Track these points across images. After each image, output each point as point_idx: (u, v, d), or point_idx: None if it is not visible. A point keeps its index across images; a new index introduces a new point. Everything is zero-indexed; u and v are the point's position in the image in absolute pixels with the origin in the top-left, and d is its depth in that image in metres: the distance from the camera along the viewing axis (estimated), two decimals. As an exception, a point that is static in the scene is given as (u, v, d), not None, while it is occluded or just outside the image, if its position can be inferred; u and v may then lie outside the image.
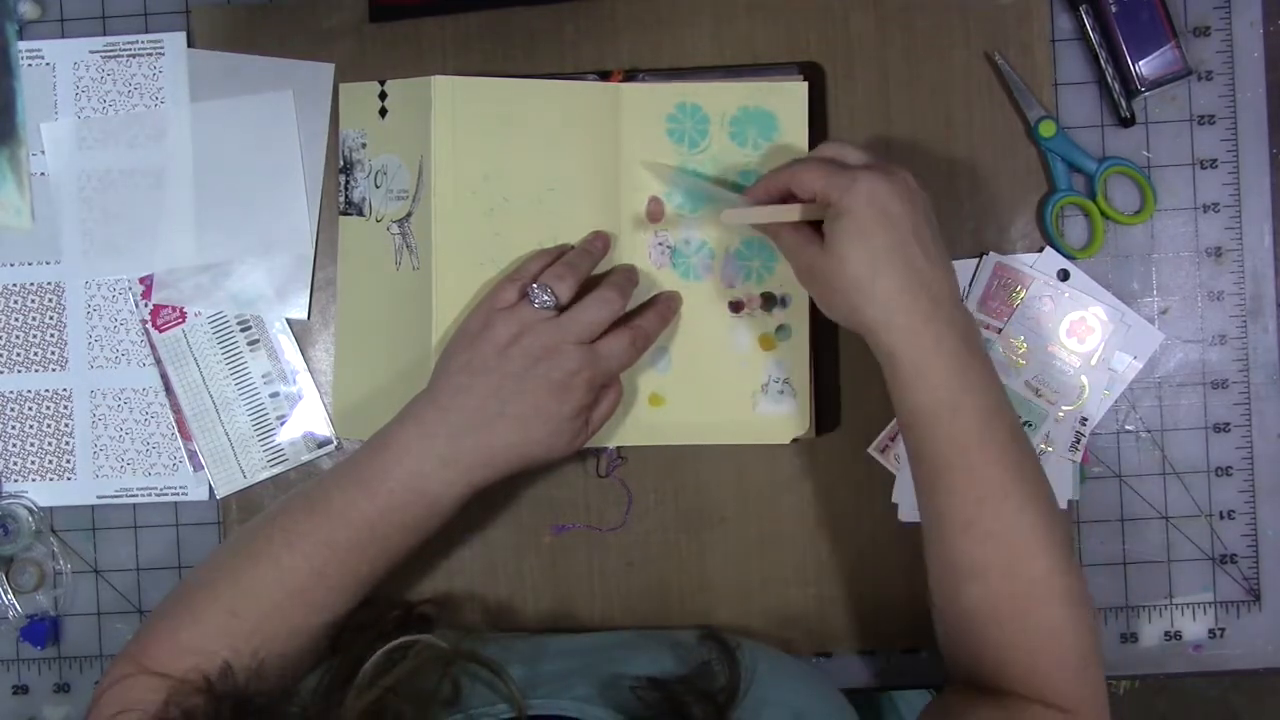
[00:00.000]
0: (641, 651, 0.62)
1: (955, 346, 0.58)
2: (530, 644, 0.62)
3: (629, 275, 0.68)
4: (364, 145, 0.71)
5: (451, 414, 0.61)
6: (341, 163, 0.72)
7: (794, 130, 0.70)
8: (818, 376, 0.72)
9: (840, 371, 0.72)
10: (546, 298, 0.63)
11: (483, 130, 0.69)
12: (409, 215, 0.70)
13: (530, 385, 0.61)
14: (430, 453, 0.61)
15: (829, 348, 0.73)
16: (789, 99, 0.71)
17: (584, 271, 0.66)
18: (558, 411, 0.62)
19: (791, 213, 0.63)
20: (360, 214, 0.72)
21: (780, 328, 0.70)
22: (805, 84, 0.70)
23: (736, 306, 0.70)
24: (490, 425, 0.61)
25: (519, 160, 0.69)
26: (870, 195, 0.58)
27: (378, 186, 0.71)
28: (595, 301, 0.64)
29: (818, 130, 0.71)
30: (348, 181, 0.72)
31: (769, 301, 0.70)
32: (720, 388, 0.70)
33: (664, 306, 0.69)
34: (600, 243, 0.69)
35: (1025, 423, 0.71)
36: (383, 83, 0.71)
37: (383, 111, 0.71)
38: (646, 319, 0.67)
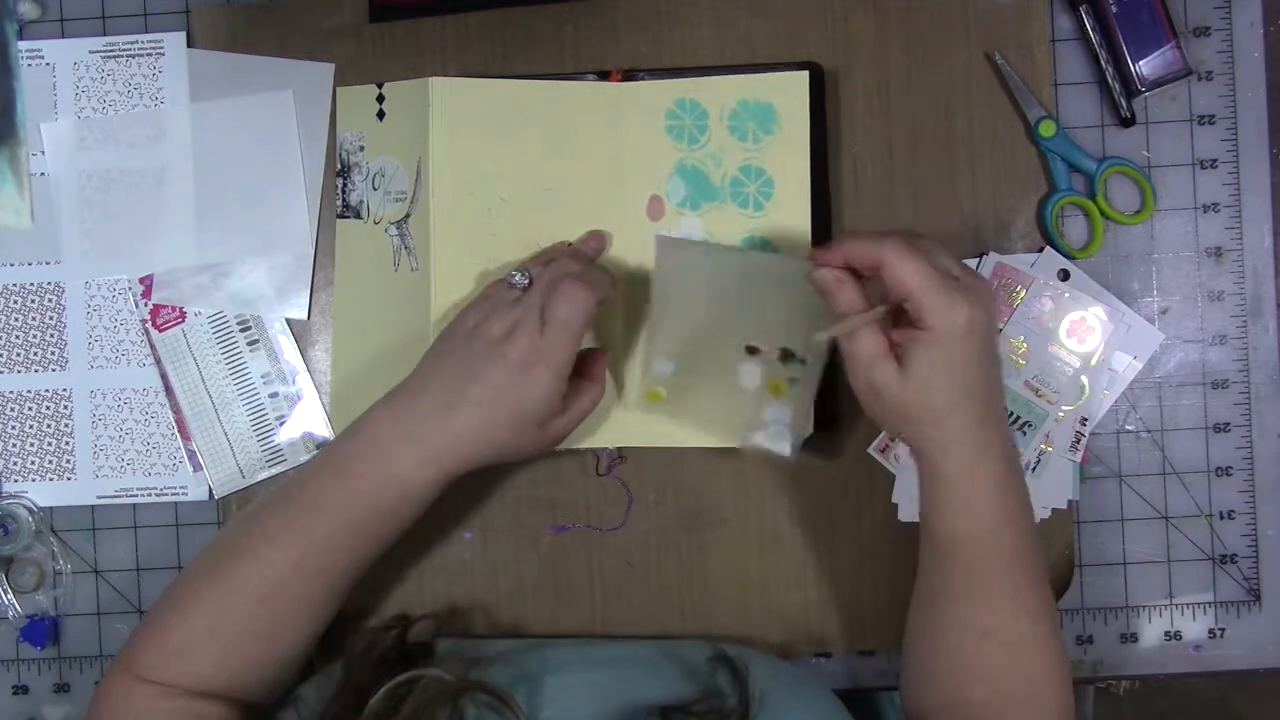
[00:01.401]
0: (651, 672, 0.61)
1: (1005, 479, 0.59)
2: (534, 657, 0.62)
3: (593, 238, 0.69)
4: (362, 148, 0.72)
5: (418, 396, 0.61)
6: (339, 165, 0.72)
7: (795, 122, 0.70)
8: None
9: (840, 371, 0.72)
10: (519, 278, 0.63)
11: (480, 131, 0.69)
12: (407, 217, 0.70)
13: (490, 368, 0.60)
14: (398, 435, 0.61)
15: (829, 348, 0.72)
16: (789, 90, 0.70)
17: (572, 264, 0.64)
18: (516, 395, 0.60)
19: (876, 315, 0.58)
20: (358, 216, 0.72)
21: (793, 380, 0.67)
22: (805, 74, 0.70)
23: (753, 350, 0.68)
24: (454, 408, 0.60)
25: (516, 161, 0.69)
26: (970, 326, 0.56)
27: (375, 188, 0.71)
28: (553, 270, 0.63)
29: (817, 130, 0.71)
30: (345, 184, 0.72)
31: (787, 356, 0.67)
32: (718, 408, 0.69)
33: (593, 241, 0.69)
34: (595, 241, 0.69)
35: (1025, 423, 0.71)
36: (380, 85, 0.71)
37: (380, 114, 0.71)
38: (589, 268, 0.64)
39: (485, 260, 0.69)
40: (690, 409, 0.70)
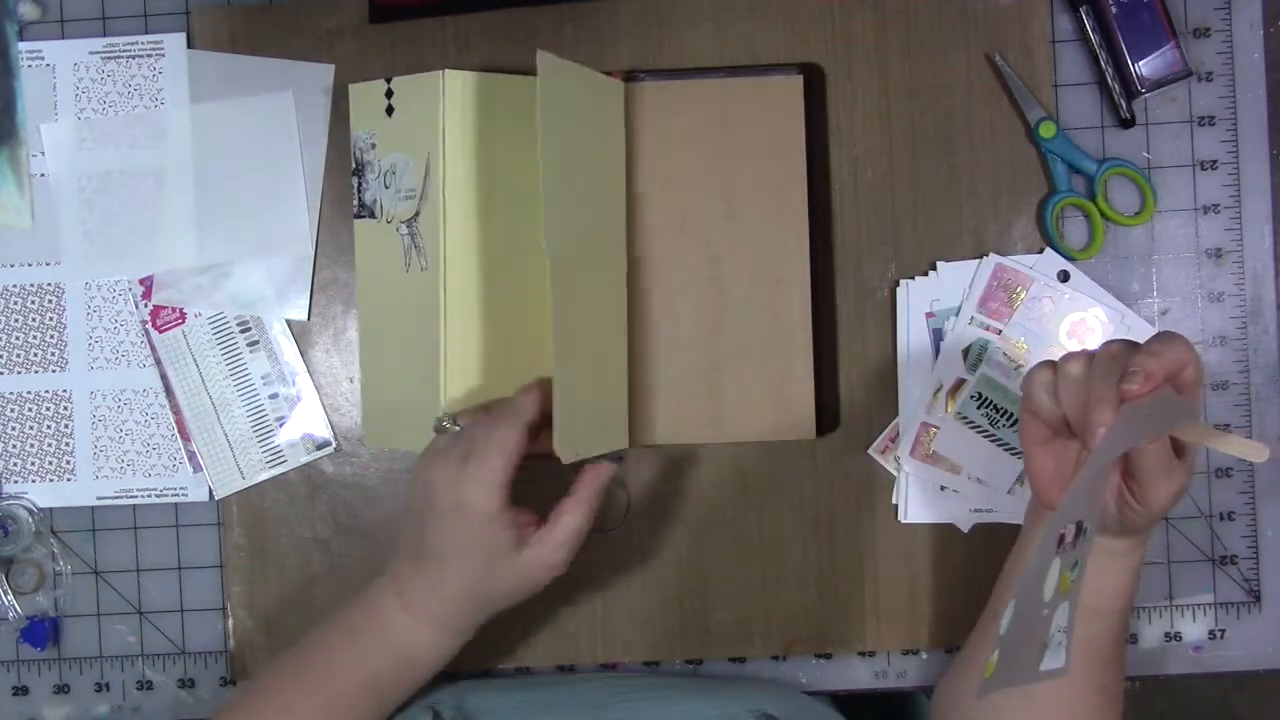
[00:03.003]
0: None
1: None
2: (544, 693, 0.63)
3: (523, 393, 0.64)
4: (374, 145, 0.70)
5: (401, 563, 0.63)
6: (354, 165, 0.71)
7: (790, 126, 0.69)
8: (818, 376, 0.72)
9: (840, 371, 0.72)
10: (444, 424, 0.63)
11: (491, 127, 0.67)
12: (417, 214, 0.68)
13: (431, 516, 0.60)
14: (399, 605, 0.62)
15: (829, 348, 0.73)
16: (784, 95, 0.69)
17: (494, 405, 0.64)
18: (457, 542, 0.60)
19: (1261, 452, 0.51)
20: (373, 216, 0.70)
21: (1075, 565, 0.53)
22: (800, 78, 0.70)
23: (1061, 540, 0.54)
24: (426, 571, 0.61)
25: (526, 159, 0.68)
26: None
27: (387, 187, 0.69)
28: (481, 428, 0.61)
29: (817, 130, 0.71)
30: (360, 183, 0.70)
31: (1079, 532, 0.53)
32: (1030, 642, 0.54)
33: (529, 393, 0.64)
34: (530, 399, 0.64)
35: (1026, 424, 0.71)
36: (389, 80, 0.69)
37: (389, 109, 0.69)
38: (517, 398, 0.63)
39: (494, 260, 0.68)
40: (1013, 666, 0.53)
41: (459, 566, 0.61)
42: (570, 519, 0.61)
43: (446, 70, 0.66)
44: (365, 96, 0.70)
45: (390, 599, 0.63)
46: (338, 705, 0.62)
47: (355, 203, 0.71)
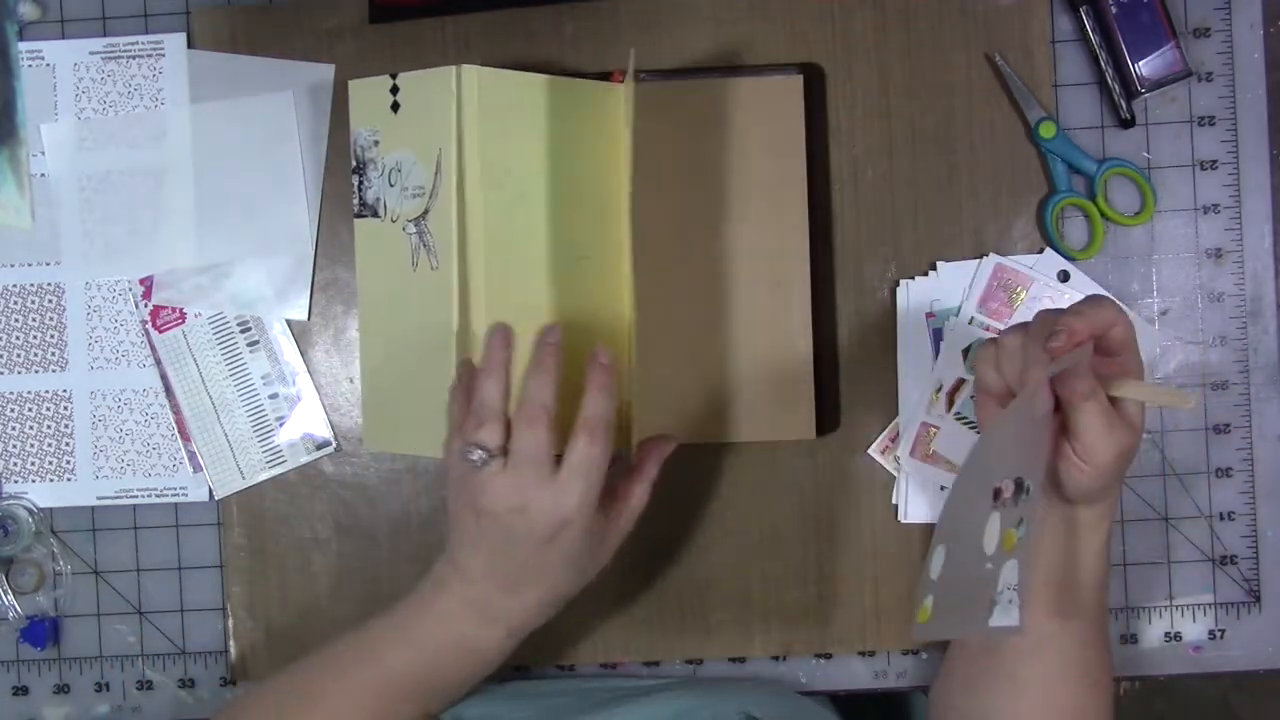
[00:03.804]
0: None
1: None
2: (542, 703, 0.63)
3: (545, 374, 0.59)
4: (376, 142, 0.68)
5: (475, 586, 0.61)
6: (354, 163, 0.69)
7: (789, 125, 0.69)
8: (818, 376, 0.72)
9: (840, 371, 0.72)
10: (478, 457, 0.57)
11: (504, 124, 0.66)
12: (426, 213, 0.67)
13: (521, 552, 0.59)
14: (476, 617, 0.61)
15: (829, 347, 0.73)
16: (785, 93, 0.69)
17: (496, 397, 0.59)
18: (560, 559, 0.59)
19: (1187, 399, 0.55)
20: (375, 215, 0.69)
21: (1021, 522, 0.55)
22: (800, 78, 0.70)
23: (998, 494, 0.56)
24: (515, 591, 0.61)
25: (536, 156, 0.67)
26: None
27: (392, 185, 0.68)
28: (526, 436, 0.57)
29: (817, 130, 0.71)
30: (361, 182, 0.69)
31: (1019, 490, 0.56)
32: (970, 596, 0.56)
33: (600, 378, 0.59)
34: (500, 349, 0.60)
35: (1026, 424, 0.71)
36: (394, 75, 0.67)
37: (395, 106, 0.67)
38: (591, 403, 0.59)
39: (505, 259, 0.66)
40: (953, 615, 0.56)
41: (567, 578, 0.61)
42: (640, 494, 0.62)
43: (462, 65, 0.64)
44: (367, 93, 0.69)
45: (467, 615, 0.61)
46: (381, 700, 0.62)
47: (356, 202, 0.69)
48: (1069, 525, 0.60)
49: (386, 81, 0.67)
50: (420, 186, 0.66)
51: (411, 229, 0.67)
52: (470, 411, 0.58)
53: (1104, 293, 0.70)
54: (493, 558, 0.60)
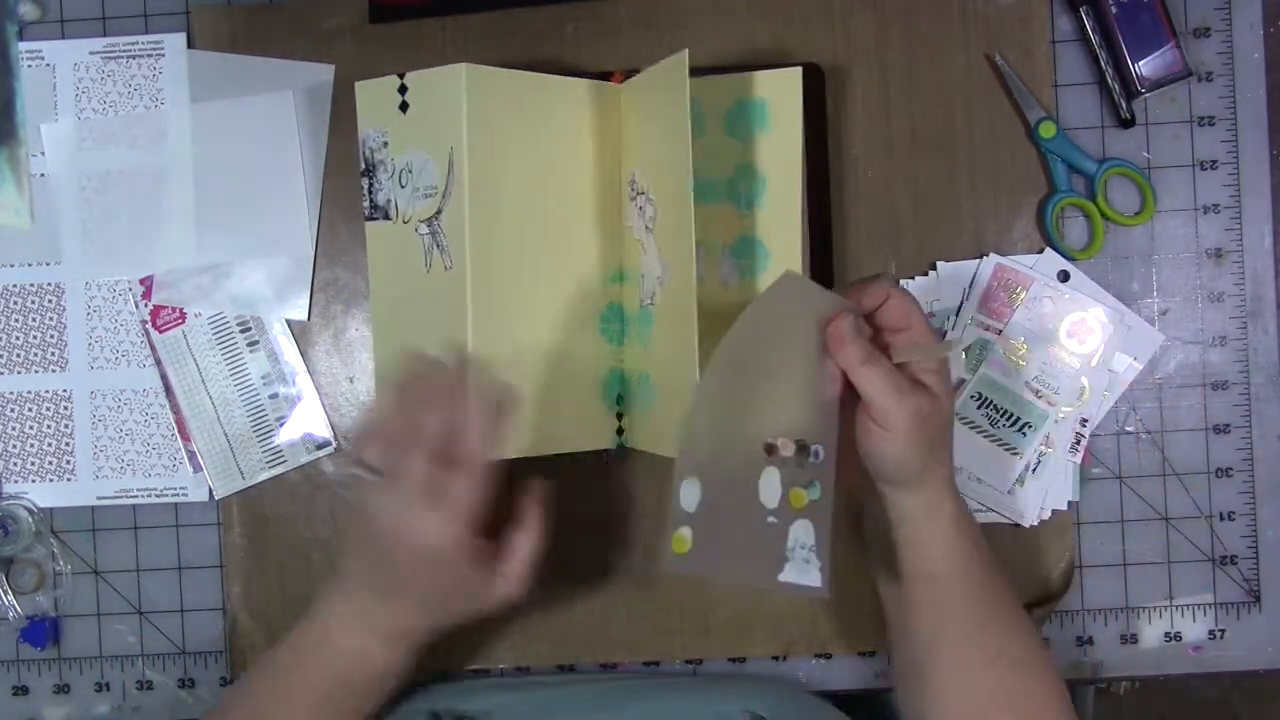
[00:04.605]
0: None
1: (969, 517, 0.63)
2: (544, 694, 0.62)
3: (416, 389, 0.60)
4: (385, 144, 0.67)
5: (350, 597, 0.62)
6: (363, 165, 0.68)
7: (788, 120, 0.69)
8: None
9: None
10: (359, 472, 0.59)
11: (511, 122, 0.66)
12: (438, 213, 0.66)
13: (395, 567, 0.59)
14: (355, 630, 0.62)
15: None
16: (782, 88, 0.69)
17: (404, 423, 0.58)
18: (433, 582, 0.59)
19: (948, 346, 0.62)
20: (386, 217, 0.68)
21: (811, 484, 0.59)
22: (799, 70, 0.69)
23: (771, 449, 0.59)
24: (388, 600, 0.61)
25: (543, 155, 0.67)
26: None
27: (403, 186, 0.67)
28: (412, 462, 0.57)
29: (817, 131, 0.71)
30: (371, 184, 0.68)
31: (802, 451, 0.59)
32: (746, 546, 0.59)
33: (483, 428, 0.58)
34: (447, 382, 0.59)
35: (1025, 424, 0.71)
36: (402, 75, 0.67)
37: (404, 105, 0.67)
38: (470, 439, 0.58)
39: (518, 258, 0.66)
40: (720, 555, 0.58)
41: (426, 600, 0.61)
42: (525, 548, 0.61)
43: (466, 64, 0.64)
44: (375, 93, 0.68)
45: (348, 623, 0.62)
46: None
47: (366, 204, 0.69)
48: (907, 513, 0.60)
49: (394, 82, 0.67)
50: (432, 186, 0.66)
51: (424, 230, 0.66)
52: (376, 428, 0.59)
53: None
54: (363, 559, 0.61)
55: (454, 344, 0.64)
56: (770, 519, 0.57)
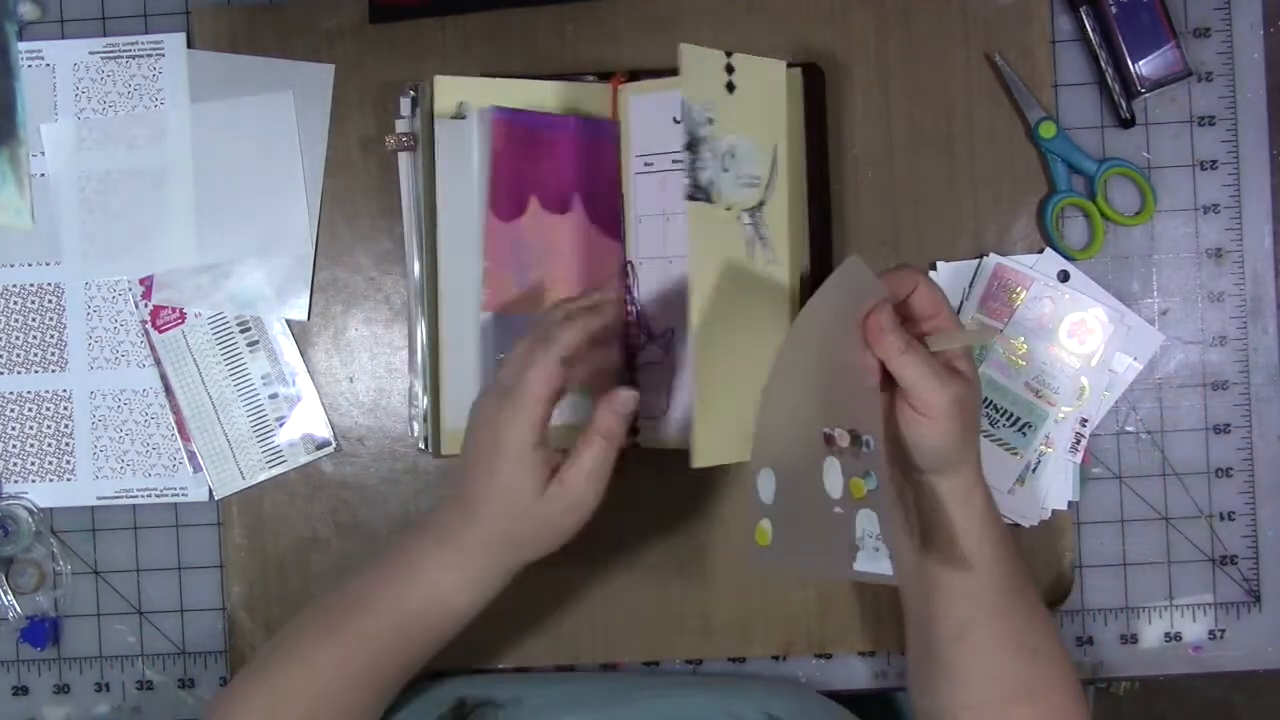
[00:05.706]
0: None
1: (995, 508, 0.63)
2: (574, 686, 0.62)
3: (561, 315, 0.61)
4: (710, 120, 0.62)
5: (455, 520, 0.60)
6: (688, 138, 0.62)
7: (772, 111, 0.68)
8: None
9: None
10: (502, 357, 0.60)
11: (792, 124, 0.67)
12: (761, 204, 0.63)
13: (482, 464, 0.58)
14: (442, 554, 0.61)
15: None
16: (781, 85, 0.68)
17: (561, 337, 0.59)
18: (511, 480, 0.58)
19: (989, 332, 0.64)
20: (709, 199, 0.62)
21: (867, 474, 0.57)
22: (799, 70, 0.69)
23: (829, 440, 0.58)
24: (476, 516, 0.60)
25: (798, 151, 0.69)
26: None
27: (726, 170, 0.63)
28: (524, 372, 0.58)
29: (817, 130, 0.71)
30: (695, 160, 0.62)
31: (856, 441, 0.58)
32: (820, 536, 0.59)
33: (578, 312, 0.61)
34: (570, 331, 0.60)
35: (1025, 424, 0.71)
36: (729, 54, 0.62)
37: (730, 85, 0.63)
38: (553, 330, 0.59)
39: (803, 259, 0.67)
40: (797, 547, 0.58)
41: (493, 506, 0.59)
42: (589, 451, 0.58)
43: (782, 61, 0.64)
44: (701, 64, 0.62)
45: (427, 540, 0.61)
46: (362, 656, 0.61)
47: (688, 181, 0.62)
48: (935, 502, 0.60)
49: (721, 58, 0.63)
50: (756, 176, 0.64)
51: (747, 219, 0.64)
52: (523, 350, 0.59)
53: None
54: (461, 467, 0.61)
55: (768, 339, 0.63)
56: (837, 509, 0.57)
